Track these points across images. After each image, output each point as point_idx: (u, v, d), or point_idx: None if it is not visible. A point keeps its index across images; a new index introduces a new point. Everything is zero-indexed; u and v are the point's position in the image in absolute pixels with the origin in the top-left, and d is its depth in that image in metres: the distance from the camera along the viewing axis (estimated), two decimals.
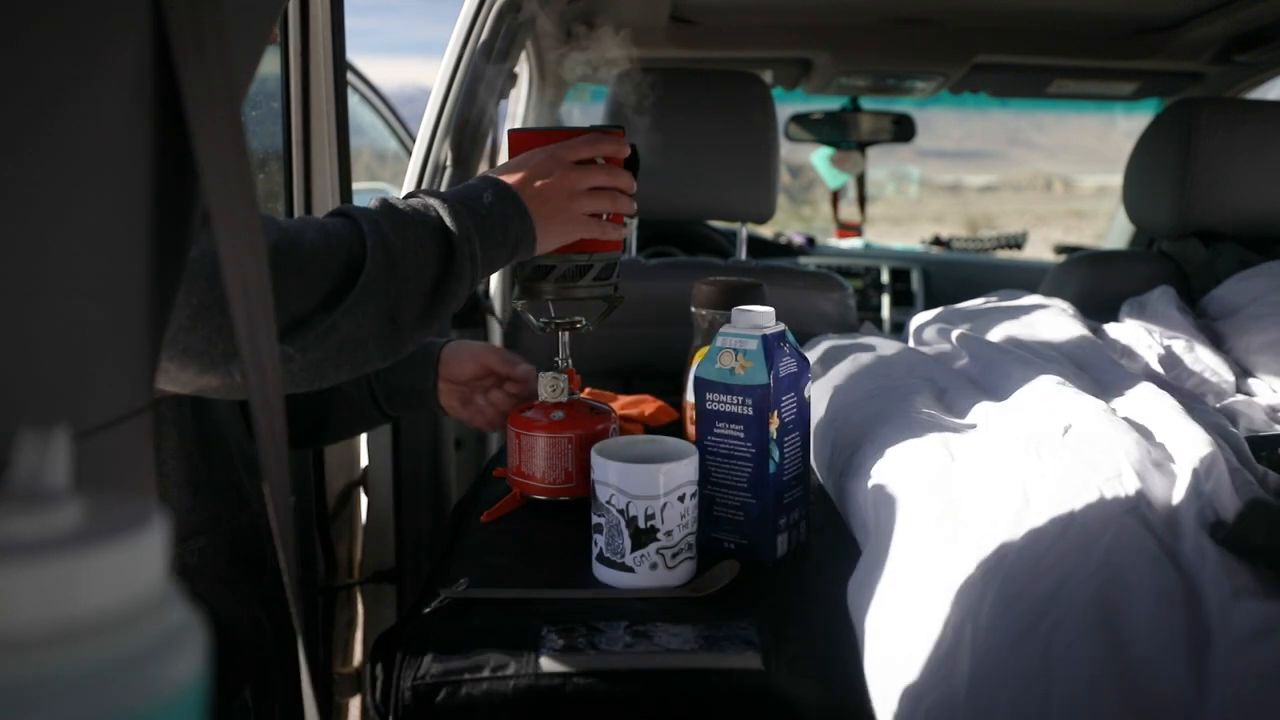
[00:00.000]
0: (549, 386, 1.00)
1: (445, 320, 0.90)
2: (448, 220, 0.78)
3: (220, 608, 0.84)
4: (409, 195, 0.82)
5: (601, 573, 0.82)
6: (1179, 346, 1.23)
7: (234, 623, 0.85)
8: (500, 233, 0.82)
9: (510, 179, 0.85)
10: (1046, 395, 0.92)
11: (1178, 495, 0.67)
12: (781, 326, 0.89)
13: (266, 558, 0.91)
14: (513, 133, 0.96)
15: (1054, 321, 1.26)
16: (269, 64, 1.33)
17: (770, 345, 0.85)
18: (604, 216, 0.92)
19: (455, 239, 0.78)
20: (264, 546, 0.91)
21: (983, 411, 0.97)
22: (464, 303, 0.81)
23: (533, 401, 1.02)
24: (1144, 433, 0.81)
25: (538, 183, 0.86)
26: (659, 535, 0.80)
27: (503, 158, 2.46)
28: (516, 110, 2.38)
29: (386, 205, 0.78)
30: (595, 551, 0.83)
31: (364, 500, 1.45)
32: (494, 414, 1.11)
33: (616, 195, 0.91)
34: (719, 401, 0.85)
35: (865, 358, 1.21)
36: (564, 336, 1.01)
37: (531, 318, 1.01)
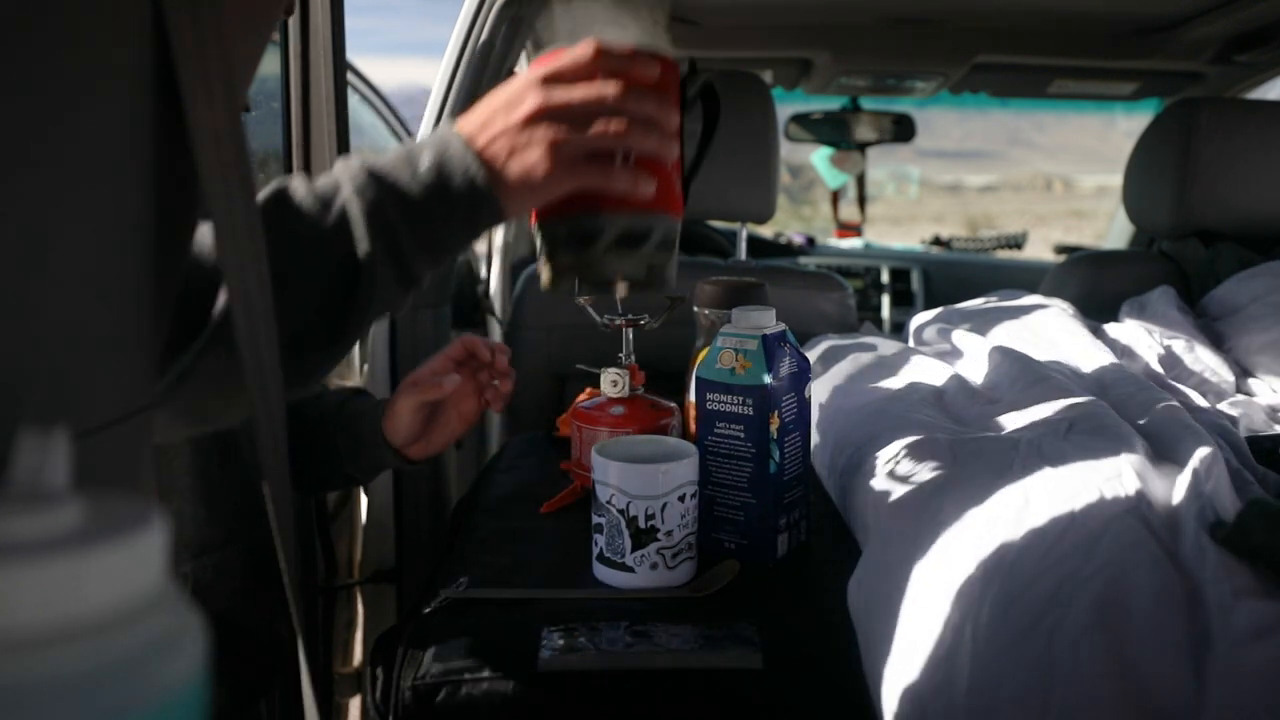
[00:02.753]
0: (611, 382, 1.00)
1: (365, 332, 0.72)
2: (355, 220, 0.61)
3: (236, 622, 0.84)
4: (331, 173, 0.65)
5: (601, 572, 0.83)
6: (1179, 346, 1.23)
7: (249, 635, 0.84)
8: (442, 206, 0.62)
9: (470, 121, 0.65)
10: (1046, 395, 0.92)
11: (1178, 495, 0.67)
12: (782, 326, 0.89)
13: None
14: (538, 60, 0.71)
15: (1054, 322, 1.26)
16: (269, 64, 1.32)
17: (770, 345, 0.85)
18: (621, 158, 0.66)
19: (364, 253, 0.61)
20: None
21: (983, 411, 0.97)
22: (403, 307, 0.66)
23: (597, 395, 1.02)
24: (1144, 433, 0.81)
25: (510, 116, 0.63)
26: (659, 535, 0.80)
27: None
28: None
29: (279, 200, 0.61)
30: (595, 551, 0.83)
31: (364, 500, 1.45)
32: (472, 405, 0.98)
33: (634, 126, 0.64)
34: (719, 401, 0.85)
35: (865, 358, 1.21)
36: (627, 333, 1.02)
37: (594, 313, 1.00)
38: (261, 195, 0.62)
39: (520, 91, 0.64)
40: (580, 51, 0.64)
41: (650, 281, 0.71)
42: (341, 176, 0.63)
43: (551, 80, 0.64)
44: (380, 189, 0.62)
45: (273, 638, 0.87)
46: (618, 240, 0.68)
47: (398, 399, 0.95)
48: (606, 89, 0.63)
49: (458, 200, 0.63)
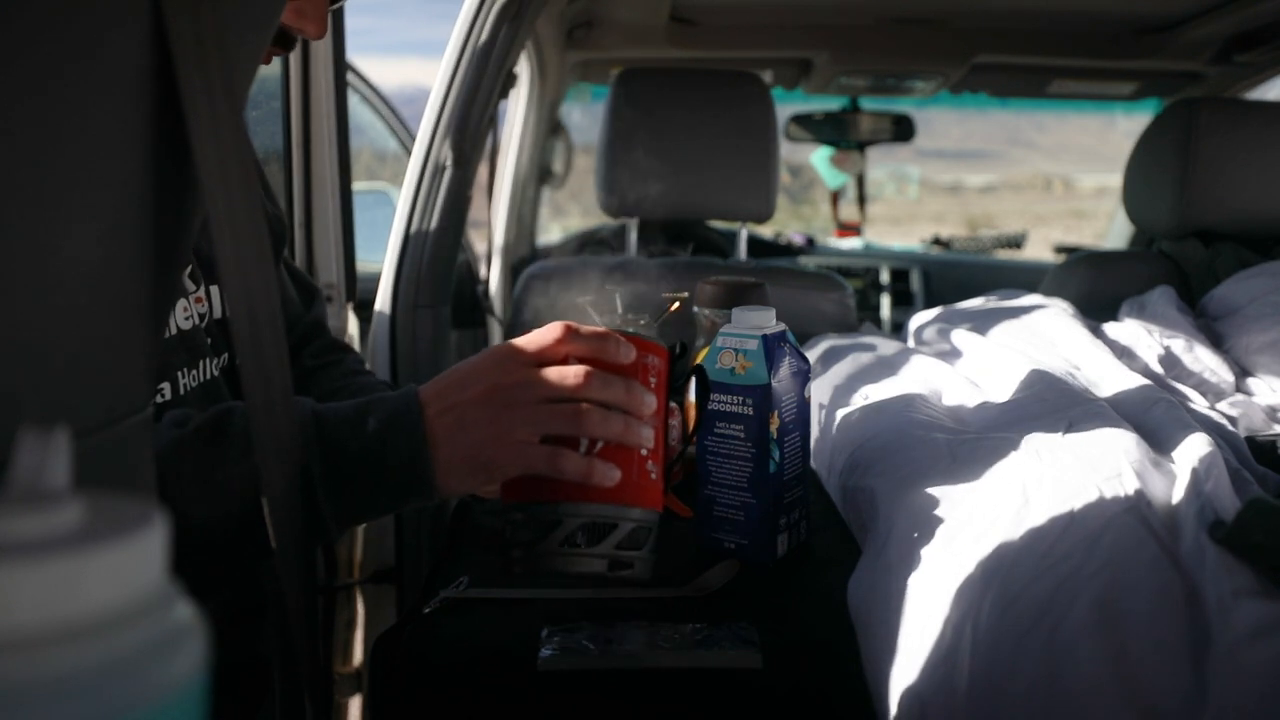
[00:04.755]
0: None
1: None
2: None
3: (216, 653, 0.83)
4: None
5: None
6: (1178, 346, 1.23)
7: (235, 665, 0.84)
8: (370, 478, 0.60)
9: (431, 388, 0.63)
10: (1046, 395, 0.92)
11: (1177, 495, 0.67)
12: (782, 326, 0.89)
13: (267, 593, 0.90)
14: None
15: (1053, 322, 1.26)
16: (269, 64, 1.32)
17: (770, 345, 0.85)
18: (587, 446, 0.62)
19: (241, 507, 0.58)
20: (264, 586, 0.89)
21: (982, 412, 0.97)
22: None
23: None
24: (1144, 432, 0.81)
25: (464, 392, 0.61)
26: None
27: (502, 157, 2.44)
28: (516, 110, 2.38)
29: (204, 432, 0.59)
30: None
31: None
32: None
33: (602, 414, 0.61)
34: (719, 401, 0.85)
35: (865, 358, 1.21)
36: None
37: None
38: (204, 418, 0.61)
39: (481, 366, 0.62)
40: (548, 332, 0.63)
41: (620, 580, 0.67)
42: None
43: (513, 358, 0.62)
44: (315, 443, 0.60)
45: (256, 659, 0.87)
46: (578, 532, 0.63)
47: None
48: (568, 373, 0.61)
49: (389, 474, 0.61)
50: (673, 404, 0.74)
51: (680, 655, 0.69)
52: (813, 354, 1.32)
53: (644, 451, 0.66)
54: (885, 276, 2.83)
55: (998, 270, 2.87)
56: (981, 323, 1.31)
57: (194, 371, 0.81)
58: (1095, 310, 1.43)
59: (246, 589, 0.87)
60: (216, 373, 0.85)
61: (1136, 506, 0.63)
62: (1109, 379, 1.03)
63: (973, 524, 0.67)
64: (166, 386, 0.77)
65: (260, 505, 0.56)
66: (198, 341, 0.82)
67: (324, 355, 1.02)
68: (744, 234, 1.80)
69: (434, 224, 1.45)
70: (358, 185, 1.61)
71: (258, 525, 0.55)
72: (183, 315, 0.82)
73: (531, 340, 0.63)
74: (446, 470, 0.62)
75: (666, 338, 0.77)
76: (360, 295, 1.55)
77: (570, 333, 0.63)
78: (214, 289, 0.86)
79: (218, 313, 0.86)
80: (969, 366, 1.15)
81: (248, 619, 0.88)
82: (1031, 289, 1.60)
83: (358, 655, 1.47)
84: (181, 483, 0.59)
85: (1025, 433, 0.83)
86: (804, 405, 0.90)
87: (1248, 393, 1.19)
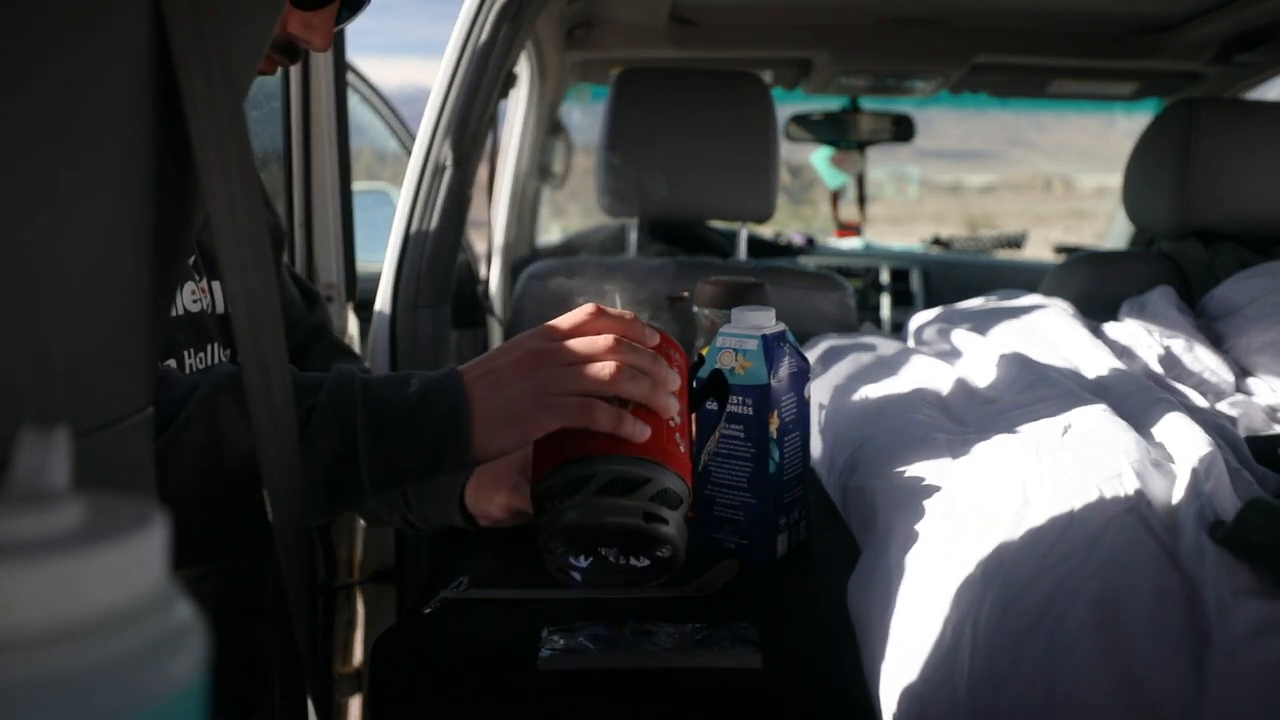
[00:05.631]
0: None
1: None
2: (321, 409, 0.61)
3: (214, 651, 0.83)
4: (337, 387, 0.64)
5: None
6: (1178, 346, 1.23)
7: (232, 663, 0.84)
8: (411, 425, 0.63)
9: (470, 364, 0.67)
10: (1045, 395, 0.92)
11: (1177, 495, 0.67)
12: (782, 326, 0.89)
13: (265, 591, 0.90)
14: None
15: (1053, 322, 1.26)
16: (274, 74, 1.33)
17: (770, 345, 0.85)
18: (618, 405, 0.65)
19: (317, 449, 0.60)
20: (262, 584, 0.89)
21: (982, 412, 0.97)
22: (322, 516, 0.65)
23: None
24: (1144, 433, 0.81)
25: (500, 358, 0.66)
26: None
27: (502, 157, 2.43)
28: (516, 110, 2.38)
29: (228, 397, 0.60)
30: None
31: None
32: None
33: (632, 374, 0.65)
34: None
35: (865, 358, 1.21)
36: None
37: None
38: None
39: (517, 339, 0.67)
40: (580, 311, 0.68)
41: (648, 543, 0.65)
42: (331, 375, 0.64)
43: (548, 331, 0.67)
44: (357, 392, 0.63)
45: (255, 660, 0.87)
46: (609, 485, 0.63)
47: (500, 489, 0.87)
48: (599, 340, 0.66)
49: (429, 431, 0.63)
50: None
51: (680, 655, 0.69)
52: (813, 354, 1.32)
53: (672, 423, 0.68)
54: (885, 276, 2.83)
55: (998, 270, 2.87)
56: (981, 323, 1.31)
57: (201, 354, 0.82)
58: (1095, 310, 1.43)
59: (245, 586, 0.87)
60: (224, 359, 0.85)
61: (1136, 506, 0.63)
62: (1109, 379, 1.03)
63: (973, 524, 0.67)
64: (172, 363, 0.77)
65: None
66: (205, 326, 0.82)
67: (328, 359, 1.02)
68: (744, 234, 1.80)
69: (434, 224, 1.45)
70: (358, 185, 1.61)
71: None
72: (190, 299, 0.82)
73: (565, 319, 0.68)
74: (484, 427, 0.64)
75: None
76: (360, 295, 1.55)
77: (600, 313, 0.68)
78: (215, 284, 0.86)
79: (220, 308, 0.86)
80: (969, 366, 1.15)
81: (246, 617, 0.88)
82: (1031, 289, 1.60)
83: (358, 655, 1.47)
84: (224, 416, 0.60)
85: (1025, 433, 0.83)
86: (804, 405, 0.90)
87: (1248, 393, 1.19)
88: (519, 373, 0.64)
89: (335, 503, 0.63)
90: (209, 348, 0.83)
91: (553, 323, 0.68)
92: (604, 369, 0.64)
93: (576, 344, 0.66)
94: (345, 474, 0.62)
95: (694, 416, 0.71)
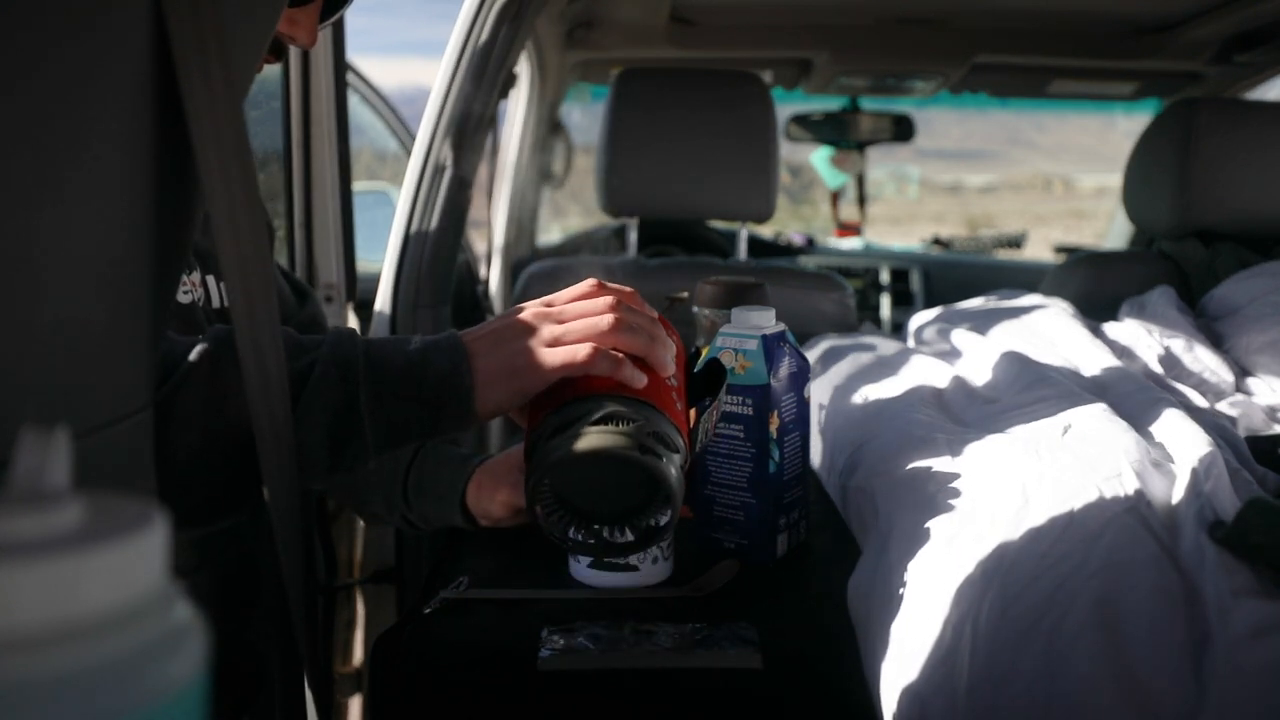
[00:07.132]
0: None
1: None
2: (322, 362, 0.61)
3: (211, 647, 0.83)
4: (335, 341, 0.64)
5: (599, 578, 0.82)
6: (1178, 346, 1.23)
7: (225, 660, 0.84)
8: (407, 383, 0.63)
9: (471, 329, 0.68)
10: (1045, 395, 0.92)
11: (1177, 495, 0.67)
12: (782, 326, 0.89)
13: (261, 584, 0.90)
14: None
15: (1053, 322, 1.26)
16: (261, 71, 1.33)
17: (770, 345, 0.85)
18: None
19: (319, 404, 0.60)
20: (257, 576, 0.89)
21: (982, 411, 0.97)
22: (319, 478, 0.63)
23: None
24: (1144, 433, 0.81)
25: (502, 319, 0.68)
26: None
27: (502, 157, 2.44)
28: (516, 110, 2.38)
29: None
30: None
31: None
32: None
33: (630, 327, 0.66)
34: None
35: (865, 358, 1.21)
36: None
37: None
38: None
39: (518, 307, 0.69)
40: (580, 285, 0.70)
41: (643, 485, 0.62)
42: (331, 334, 0.65)
43: (547, 301, 0.69)
44: (358, 348, 0.64)
45: (252, 657, 0.87)
46: (604, 418, 0.61)
47: (501, 486, 0.88)
48: (599, 299, 0.68)
49: (430, 387, 0.63)
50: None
51: (680, 655, 0.69)
52: (813, 354, 1.32)
53: (670, 382, 0.68)
54: (885, 276, 2.83)
55: (998, 270, 2.87)
56: (981, 323, 1.31)
57: None
58: (1095, 310, 1.43)
59: (241, 579, 0.88)
60: None
61: (1136, 506, 0.63)
62: (1109, 379, 1.03)
63: (973, 524, 0.67)
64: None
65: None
66: (196, 319, 0.82)
67: None
68: (744, 234, 1.79)
69: (434, 224, 1.45)
70: (358, 185, 1.61)
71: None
72: (181, 290, 0.82)
73: (566, 291, 0.70)
74: (485, 381, 0.64)
75: None
76: (360, 295, 1.55)
77: (601, 286, 0.70)
78: (210, 279, 0.86)
79: (215, 303, 0.86)
80: (969, 366, 1.15)
81: (242, 609, 0.88)
82: (1031, 289, 1.60)
83: (358, 655, 1.47)
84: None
85: (1025, 433, 0.83)
86: (804, 405, 0.90)
87: (1248, 393, 1.19)
88: (518, 330, 0.66)
89: (337, 459, 0.63)
90: None
91: (553, 295, 0.70)
92: (603, 320, 0.66)
93: (576, 304, 0.68)
94: (347, 428, 0.62)
95: (691, 411, 0.71)
